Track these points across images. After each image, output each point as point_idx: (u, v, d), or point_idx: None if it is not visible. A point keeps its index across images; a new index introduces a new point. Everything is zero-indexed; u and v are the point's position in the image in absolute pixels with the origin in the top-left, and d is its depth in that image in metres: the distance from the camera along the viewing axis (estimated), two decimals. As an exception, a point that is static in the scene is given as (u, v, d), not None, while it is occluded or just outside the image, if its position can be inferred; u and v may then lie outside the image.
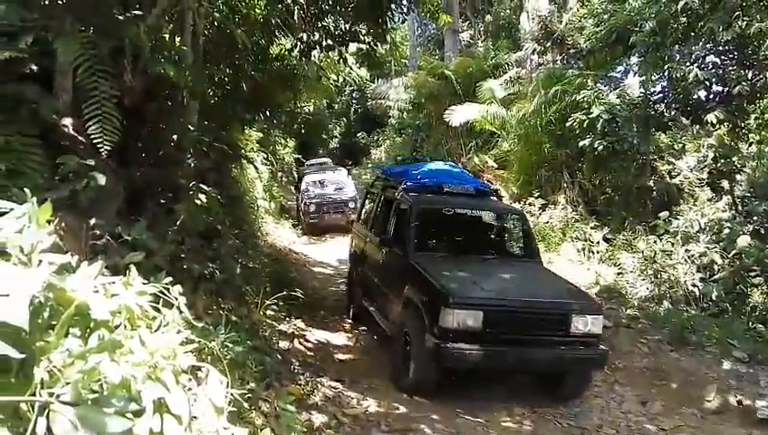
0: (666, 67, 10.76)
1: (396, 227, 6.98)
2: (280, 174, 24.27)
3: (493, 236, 7.64)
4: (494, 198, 8.03)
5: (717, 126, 10.29)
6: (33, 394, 1.43)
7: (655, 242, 8.61)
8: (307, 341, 7.15)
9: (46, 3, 4.13)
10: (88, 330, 1.71)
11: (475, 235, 7.48)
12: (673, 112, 11.45)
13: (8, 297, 1.42)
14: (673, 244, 8.44)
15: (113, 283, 1.89)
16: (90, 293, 1.68)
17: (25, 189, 2.36)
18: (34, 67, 3.56)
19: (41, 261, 1.70)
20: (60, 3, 4.22)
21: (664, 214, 9.04)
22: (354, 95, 33.65)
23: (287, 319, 7.47)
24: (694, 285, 7.81)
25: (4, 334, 1.39)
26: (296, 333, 7.20)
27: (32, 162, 3.11)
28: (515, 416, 5.42)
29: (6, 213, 1.83)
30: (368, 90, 28.16)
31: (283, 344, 6.36)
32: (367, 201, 9.17)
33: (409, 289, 5.91)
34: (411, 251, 6.30)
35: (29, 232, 1.73)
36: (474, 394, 5.78)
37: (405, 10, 7.48)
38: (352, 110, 35.65)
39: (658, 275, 8.17)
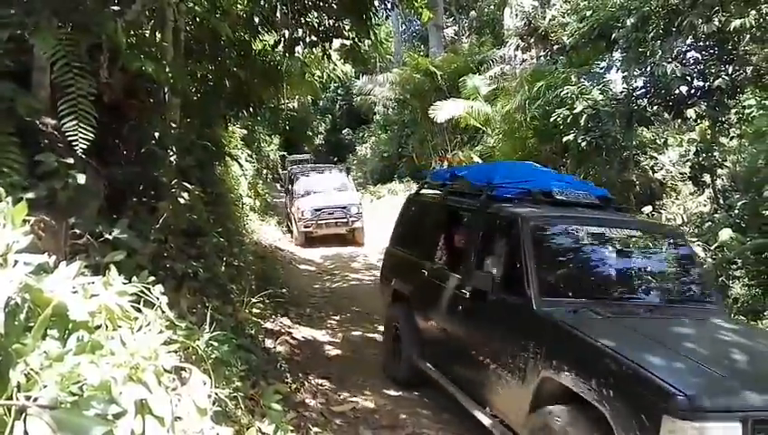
0: (648, 63, 10.87)
1: (488, 258, 4.78)
2: (265, 171, 24.19)
3: (652, 271, 4.92)
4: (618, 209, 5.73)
5: (699, 121, 10.42)
6: (10, 398, 1.40)
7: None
8: (293, 338, 7.12)
9: (22, -2, 4.05)
10: (66, 331, 1.68)
11: (625, 269, 4.84)
12: (655, 107, 11.59)
13: (-18, 299, 1.39)
14: (656, 238, 8.51)
15: (92, 283, 1.86)
16: (68, 293, 1.65)
17: (7, 192, 2.33)
18: (11, 64, 3.48)
19: (17, 262, 1.66)
20: (37, -2, 4.15)
21: (647, 208, 9.12)
22: (339, 91, 33.57)
23: (273, 317, 7.45)
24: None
25: (-22, 337, 1.36)
26: (282, 330, 7.18)
27: (8, 161, 3.04)
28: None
29: (-19, 213, 1.79)
30: (353, 86, 28.12)
31: (270, 342, 6.33)
32: (408, 217, 6.60)
33: (549, 364, 3.60)
34: (535, 297, 3.99)
35: (4, 232, 1.69)
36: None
37: (389, 6, 7.45)
38: (337, 106, 35.58)
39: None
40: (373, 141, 28.19)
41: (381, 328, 7.86)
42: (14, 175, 2.99)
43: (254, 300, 6.70)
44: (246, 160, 14.93)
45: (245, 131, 14.78)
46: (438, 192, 6.21)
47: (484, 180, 5.27)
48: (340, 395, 5.50)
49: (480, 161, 15.93)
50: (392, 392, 5.70)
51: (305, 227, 14.43)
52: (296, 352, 6.65)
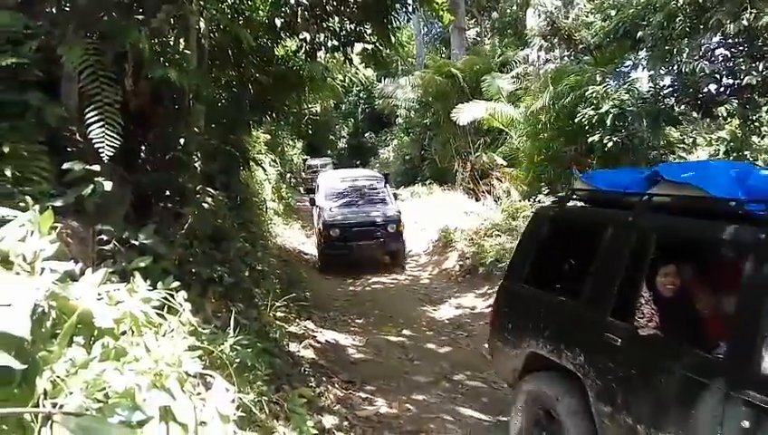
0: (675, 61, 10.64)
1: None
2: (288, 175, 24.38)
3: None
4: None
5: (728, 119, 10.16)
6: (37, 405, 1.42)
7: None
8: (317, 342, 7.13)
9: (51, 10, 4.14)
10: (92, 338, 1.70)
11: None
12: (683, 106, 11.33)
13: (10, 307, 1.40)
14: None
15: (117, 290, 1.88)
16: (93, 301, 1.67)
17: (28, 197, 2.38)
18: (40, 74, 3.56)
19: (43, 269, 1.69)
20: (64, 10, 4.24)
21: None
22: (361, 95, 33.66)
23: (297, 320, 7.46)
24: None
25: (5, 345, 1.38)
26: (306, 334, 7.19)
27: (37, 169, 3.12)
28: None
29: (10, 221, 1.82)
30: (375, 89, 28.18)
31: (293, 346, 6.35)
32: (552, 242, 4.27)
33: None
34: None
35: (32, 240, 1.72)
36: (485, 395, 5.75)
37: (410, 9, 7.44)
38: (359, 110, 35.66)
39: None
40: (395, 144, 28.18)
41: (406, 332, 7.86)
42: (43, 183, 3.06)
43: (277, 304, 6.74)
44: (270, 165, 15.05)
45: (269, 136, 14.88)
46: (610, 206, 3.95)
47: (725, 188, 3.11)
48: (364, 399, 5.48)
49: (504, 163, 15.80)
50: (416, 397, 5.66)
51: (334, 250, 11.47)
52: (320, 355, 6.65)
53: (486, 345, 5.05)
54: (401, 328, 7.93)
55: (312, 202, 13.50)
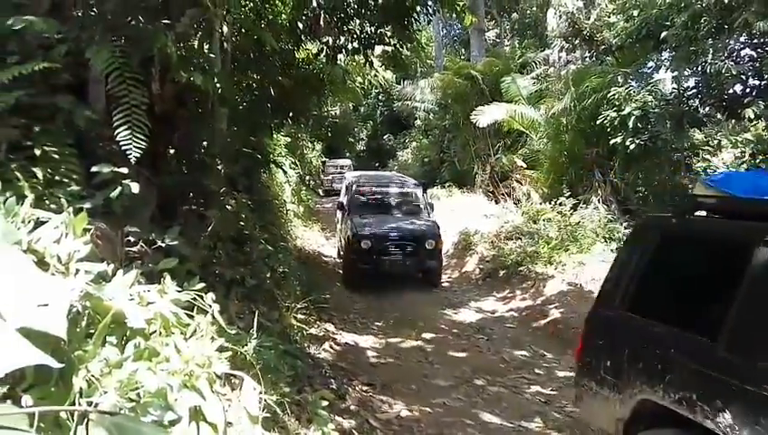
0: (699, 61, 10.50)
1: None
2: (307, 177, 24.51)
3: None
4: None
5: (754, 121, 9.98)
6: (73, 403, 1.44)
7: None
8: (337, 344, 7.15)
9: (79, 14, 4.22)
10: (124, 338, 1.72)
11: None
12: (707, 108, 11.18)
13: (47, 307, 1.43)
14: (710, 243, 8.19)
15: (148, 291, 1.91)
16: (126, 301, 1.69)
17: (62, 199, 2.42)
18: (69, 77, 3.62)
19: (78, 270, 1.72)
20: (92, 14, 4.32)
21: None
22: (380, 97, 33.71)
23: (317, 322, 7.49)
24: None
25: (43, 344, 1.40)
26: (326, 336, 7.21)
27: (67, 171, 3.17)
28: (548, 421, 5.32)
29: (45, 223, 1.86)
30: (394, 92, 28.21)
31: (314, 348, 6.38)
32: (669, 263, 3.51)
33: None
34: None
35: (66, 242, 1.75)
36: (506, 400, 5.71)
37: (430, 11, 7.44)
38: (378, 112, 35.73)
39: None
40: (414, 146, 28.16)
41: (426, 335, 7.84)
42: (72, 184, 3.11)
43: (298, 306, 6.77)
44: (290, 167, 15.12)
45: (289, 139, 14.96)
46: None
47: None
48: (384, 402, 5.48)
49: (524, 165, 15.70)
50: (437, 400, 5.63)
51: (363, 263, 10.16)
52: (340, 358, 6.66)
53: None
54: (421, 331, 7.91)
55: (341, 206, 12.06)
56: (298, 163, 19.07)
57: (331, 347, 6.86)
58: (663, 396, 2.97)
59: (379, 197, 11.86)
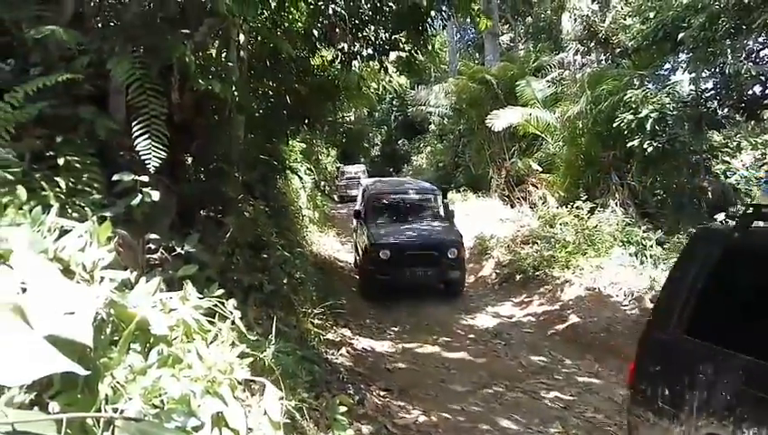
0: (718, 63, 10.40)
1: None
2: (323, 183, 24.61)
3: None
4: None
5: (775, 122, 9.86)
6: (99, 410, 1.46)
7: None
8: (354, 349, 7.16)
9: (100, 26, 4.30)
10: (147, 345, 1.74)
11: None
12: (726, 109, 11.06)
13: (73, 315, 1.45)
14: (731, 246, 8.09)
15: (170, 298, 1.93)
16: (149, 309, 1.72)
17: (87, 208, 2.46)
18: (90, 88, 3.68)
19: (102, 278, 1.75)
20: (112, 25, 4.40)
21: (720, 216, 8.67)
22: (394, 103, 33.76)
23: (333, 327, 7.51)
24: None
25: (70, 351, 1.42)
26: (343, 341, 7.22)
27: (89, 180, 3.22)
28: (568, 427, 5.27)
29: (69, 231, 1.89)
30: (408, 97, 28.23)
31: (331, 353, 6.39)
32: (723, 282, 3.20)
33: None
34: None
35: (91, 250, 1.78)
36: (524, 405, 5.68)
37: (445, 17, 7.45)
38: (392, 117, 35.77)
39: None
40: (429, 151, 28.15)
41: (442, 340, 7.82)
42: (94, 193, 3.16)
43: (315, 311, 6.80)
44: (305, 173, 15.18)
45: (304, 145, 15.04)
46: None
47: None
48: (402, 408, 5.47)
49: (539, 169, 15.60)
50: (454, 406, 5.61)
51: (382, 274, 9.63)
52: (357, 363, 6.67)
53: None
54: (438, 336, 7.89)
55: (357, 214, 11.41)
56: (313, 169, 19.17)
57: (347, 352, 6.87)
58: (734, 431, 2.67)
59: (397, 203, 11.37)
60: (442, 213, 11.16)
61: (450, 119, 22.76)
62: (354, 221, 11.99)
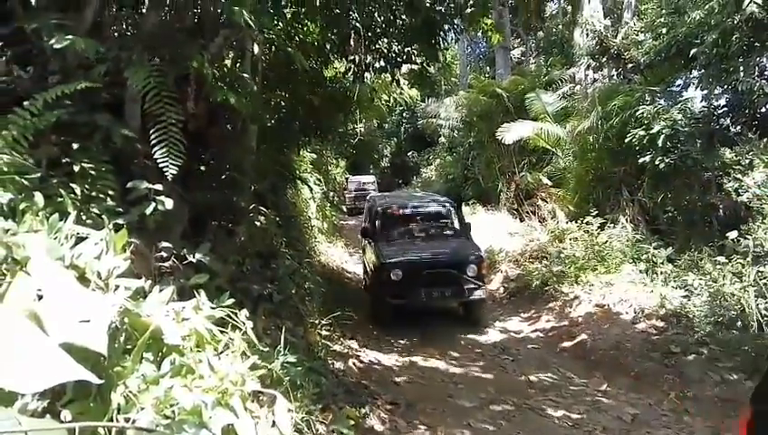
0: (730, 80, 10.34)
1: None
2: (332, 193, 24.66)
3: None
4: None
5: (789, 140, 9.77)
6: (111, 419, 1.46)
7: (724, 264, 8.18)
8: (361, 361, 7.13)
9: (118, 35, 4.35)
10: (160, 354, 1.74)
11: None
12: (739, 127, 10.97)
13: (89, 323, 1.46)
14: (743, 265, 8.00)
15: (183, 308, 1.93)
16: (163, 318, 1.72)
17: (103, 216, 2.48)
18: (107, 96, 3.72)
19: (117, 286, 1.75)
20: (130, 35, 4.45)
21: (732, 234, 8.58)
22: (404, 115, 33.89)
23: (340, 339, 7.48)
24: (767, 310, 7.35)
25: (84, 359, 1.43)
26: (350, 353, 7.20)
27: (104, 187, 3.25)
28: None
29: (86, 238, 1.90)
30: (418, 109, 28.32)
31: (338, 365, 6.36)
32: None
33: None
34: None
35: (106, 258, 1.79)
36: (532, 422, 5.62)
37: (458, 30, 7.49)
38: (402, 129, 35.89)
39: (728, 299, 7.74)
40: (438, 164, 28.17)
41: (450, 354, 7.77)
42: (108, 201, 3.18)
43: (323, 322, 6.78)
44: (315, 184, 15.24)
45: (315, 155, 15.09)
46: None
47: None
48: (409, 422, 5.43)
49: (549, 183, 15.56)
50: (461, 422, 5.57)
51: (393, 297, 8.72)
52: (363, 375, 6.64)
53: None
54: (445, 350, 7.84)
55: (365, 232, 10.50)
56: (322, 179, 19.23)
57: (354, 364, 6.84)
58: None
59: (409, 218, 10.54)
60: (457, 227, 10.39)
61: (460, 131, 22.78)
62: (362, 240, 11.19)
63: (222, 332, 2.05)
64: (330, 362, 6.08)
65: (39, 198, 2.15)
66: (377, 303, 9.20)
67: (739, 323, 7.31)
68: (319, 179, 16.98)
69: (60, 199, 2.67)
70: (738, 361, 6.67)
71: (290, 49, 5.70)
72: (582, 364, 7.43)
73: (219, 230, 4.49)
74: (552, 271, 10.31)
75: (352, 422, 3.95)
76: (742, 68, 10.25)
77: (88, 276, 1.72)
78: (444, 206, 11.10)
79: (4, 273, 1.67)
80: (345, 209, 26.52)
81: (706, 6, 10.72)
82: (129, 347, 1.63)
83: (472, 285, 8.74)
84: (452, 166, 24.46)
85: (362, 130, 25.11)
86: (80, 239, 1.92)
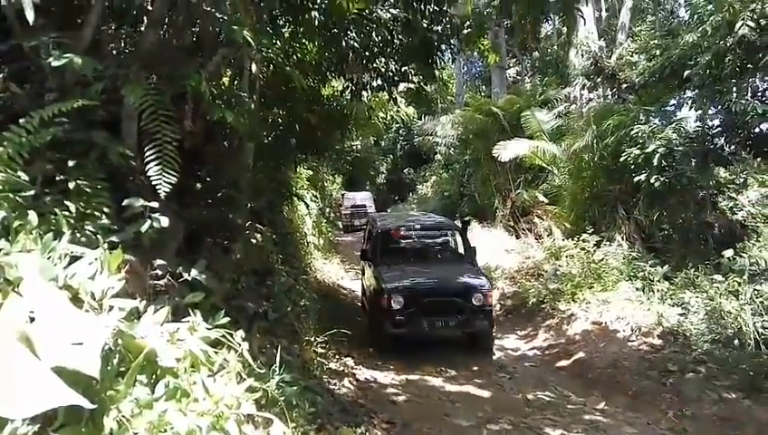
0: (724, 100, 10.44)
1: None
2: (327, 210, 24.65)
3: None
4: None
5: (782, 159, 9.85)
6: (103, 444, 1.43)
7: (721, 282, 8.19)
8: (357, 380, 7.06)
9: (116, 53, 4.36)
10: (154, 377, 1.72)
11: None
12: (733, 146, 11.07)
13: (81, 345, 1.43)
14: (739, 283, 8.02)
15: (178, 329, 1.91)
16: (158, 339, 1.69)
17: (98, 235, 2.46)
18: (104, 114, 3.71)
19: (111, 307, 1.73)
20: (128, 53, 4.46)
21: (728, 252, 8.61)
22: (401, 132, 34.07)
23: (336, 356, 7.42)
24: (765, 328, 7.34)
25: (75, 383, 1.40)
26: (346, 371, 7.13)
27: (99, 205, 3.22)
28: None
29: (80, 257, 1.88)
30: (414, 126, 28.48)
31: (334, 383, 6.30)
32: None
33: None
34: None
35: (101, 278, 1.77)
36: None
37: (455, 50, 7.55)
38: (399, 146, 36.06)
39: (725, 317, 7.74)
40: (434, 180, 28.25)
41: (446, 372, 7.70)
42: (103, 218, 3.16)
43: (318, 340, 6.73)
44: (311, 200, 15.23)
45: (311, 172, 15.11)
46: None
47: None
48: (405, 442, 5.37)
49: (545, 201, 15.61)
50: (458, 441, 5.51)
51: (395, 327, 8.26)
52: (360, 394, 6.57)
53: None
54: (441, 368, 7.78)
55: (365, 255, 9.90)
56: (318, 196, 19.23)
57: (350, 383, 6.78)
58: None
59: (411, 241, 10.28)
60: (463, 252, 9.83)
61: (456, 149, 22.89)
62: (361, 263, 10.72)
63: (216, 352, 2.02)
64: (325, 380, 6.02)
65: (33, 216, 2.12)
66: (377, 331, 8.64)
67: (736, 341, 7.30)
68: (315, 196, 16.97)
69: (54, 217, 2.64)
70: (736, 379, 6.65)
71: (288, 67, 5.72)
72: (580, 383, 7.39)
73: (215, 247, 4.47)
74: (548, 288, 10.30)
75: (348, 443, 3.89)
76: (735, 89, 10.37)
77: (81, 297, 1.70)
78: (449, 229, 10.76)
79: (-4, 293, 1.64)
80: (341, 226, 26.37)
81: (700, 29, 10.87)
82: (122, 370, 1.60)
83: (478, 316, 8.29)
84: (448, 183, 24.56)
85: (359, 146, 25.23)
86: (74, 258, 1.90)
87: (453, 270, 9.16)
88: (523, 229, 15.85)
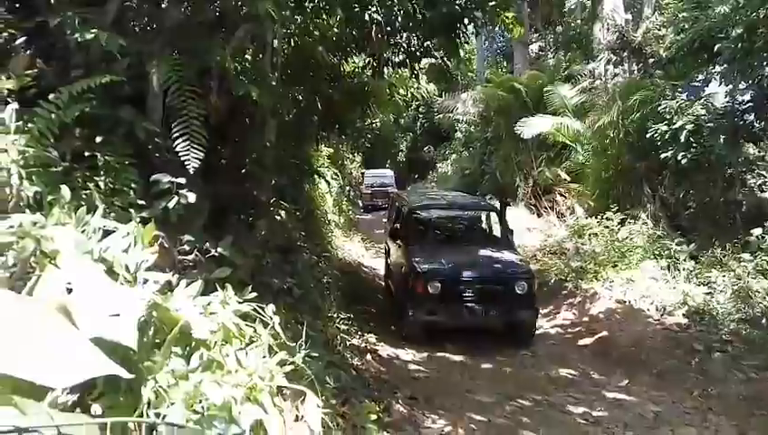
0: (755, 75, 10.11)
1: None
2: (348, 188, 24.63)
3: None
4: None
5: (816, 135, 9.56)
6: (141, 414, 1.45)
7: (749, 261, 8.04)
8: (379, 356, 7.11)
9: (139, 30, 4.36)
10: (188, 349, 1.73)
11: None
12: (763, 123, 10.75)
13: (118, 317, 1.45)
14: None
15: (209, 303, 1.92)
16: (192, 312, 1.70)
17: (128, 210, 2.48)
18: (130, 90, 3.72)
19: (145, 280, 1.74)
20: (151, 29, 4.45)
21: (756, 230, 8.43)
22: (421, 110, 33.73)
23: (358, 333, 7.47)
24: (793, 307, 7.22)
25: (113, 354, 1.42)
26: (368, 347, 7.18)
27: (127, 180, 3.25)
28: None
29: (113, 232, 1.89)
30: (435, 104, 28.16)
31: (356, 359, 6.36)
32: None
33: None
34: None
35: (134, 251, 1.78)
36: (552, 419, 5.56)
37: (479, 24, 7.40)
38: (418, 124, 35.75)
39: (753, 296, 7.61)
40: (454, 158, 28.00)
41: (468, 349, 7.71)
42: (131, 194, 3.18)
43: (341, 316, 6.78)
44: (332, 178, 15.23)
45: (331, 150, 15.08)
46: None
47: None
48: (428, 417, 5.41)
49: (568, 178, 15.41)
50: (480, 417, 5.53)
51: (427, 311, 7.70)
52: (382, 370, 6.63)
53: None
54: (462, 345, 7.79)
55: (394, 233, 9.25)
56: (339, 174, 19.22)
57: (372, 359, 6.83)
58: None
59: (446, 222, 9.54)
60: (500, 235, 9.22)
61: (477, 126, 22.63)
62: (388, 242, 10.07)
63: (248, 326, 2.04)
64: (348, 356, 6.07)
65: (65, 191, 2.14)
66: (408, 317, 7.89)
67: (764, 320, 7.19)
68: (336, 174, 16.96)
69: (85, 192, 2.67)
70: (763, 359, 6.57)
71: (309, 43, 5.66)
72: (603, 361, 7.35)
73: (240, 224, 4.49)
74: (570, 266, 10.21)
75: (374, 417, 3.93)
76: (766, 63, 10.02)
77: (116, 270, 1.71)
78: (485, 209, 10.17)
79: (33, 266, 1.66)
80: (361, 205, 26.04)
81: (731, 1, 10.49)
82: (157, 341, 1.62)
83: (523, 305, 7.76)
84: (468, 161, 24.32)
85: (379, 124, 25.05)
86: (106, 233, 1.92)
87: (493, 255, 8.49)
88: (545, 207, 15.70)
